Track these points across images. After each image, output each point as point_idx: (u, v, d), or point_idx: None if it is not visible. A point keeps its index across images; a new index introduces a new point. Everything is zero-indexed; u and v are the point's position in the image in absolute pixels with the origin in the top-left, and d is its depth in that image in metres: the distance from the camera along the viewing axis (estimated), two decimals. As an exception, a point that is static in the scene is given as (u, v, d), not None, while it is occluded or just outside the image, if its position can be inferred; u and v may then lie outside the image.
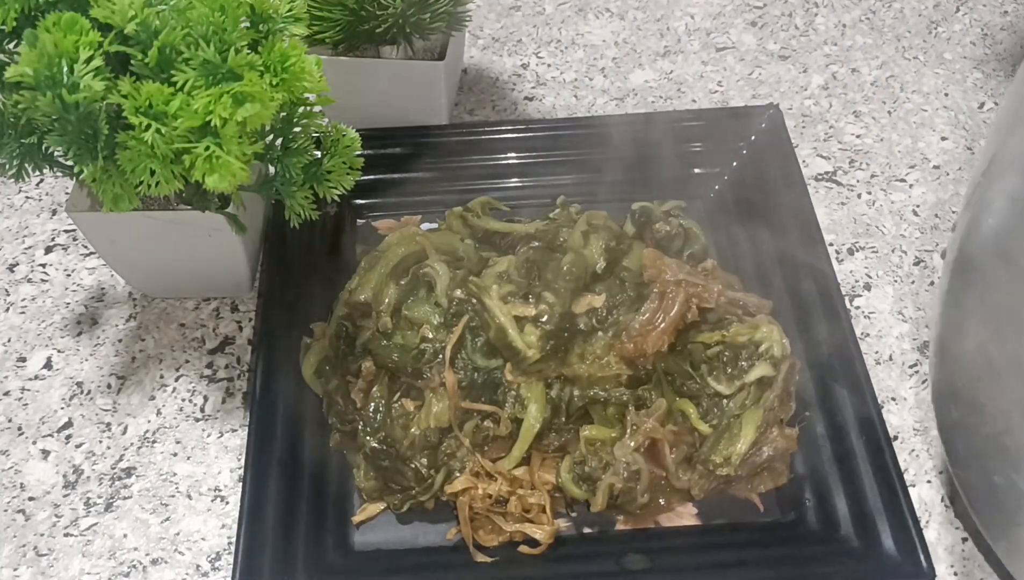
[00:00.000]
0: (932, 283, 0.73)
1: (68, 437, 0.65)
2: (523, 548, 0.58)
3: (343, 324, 0.64)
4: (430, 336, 0.61)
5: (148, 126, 0.49)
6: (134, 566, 0.60)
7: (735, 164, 0.76)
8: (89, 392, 0.68)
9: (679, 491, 0.60)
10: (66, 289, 0.74)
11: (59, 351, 0.70)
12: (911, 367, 0.68)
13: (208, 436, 0.65)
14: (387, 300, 0.63)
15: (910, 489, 0.60)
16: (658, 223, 0.68)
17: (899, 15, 0.95)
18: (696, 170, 0.76)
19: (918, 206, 0.78)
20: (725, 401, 0.60)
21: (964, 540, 0.60)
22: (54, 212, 0.79)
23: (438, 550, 0.59)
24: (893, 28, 0.93)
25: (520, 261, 0.64)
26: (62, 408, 0.67)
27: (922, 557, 0.54)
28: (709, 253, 0.70)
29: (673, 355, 0.61)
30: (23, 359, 0.70)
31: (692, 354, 0.61)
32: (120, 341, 0.70)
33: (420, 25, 0.71)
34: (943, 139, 0.83)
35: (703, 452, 0.59)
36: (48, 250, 0.76)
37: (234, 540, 0.58)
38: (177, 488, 0.63)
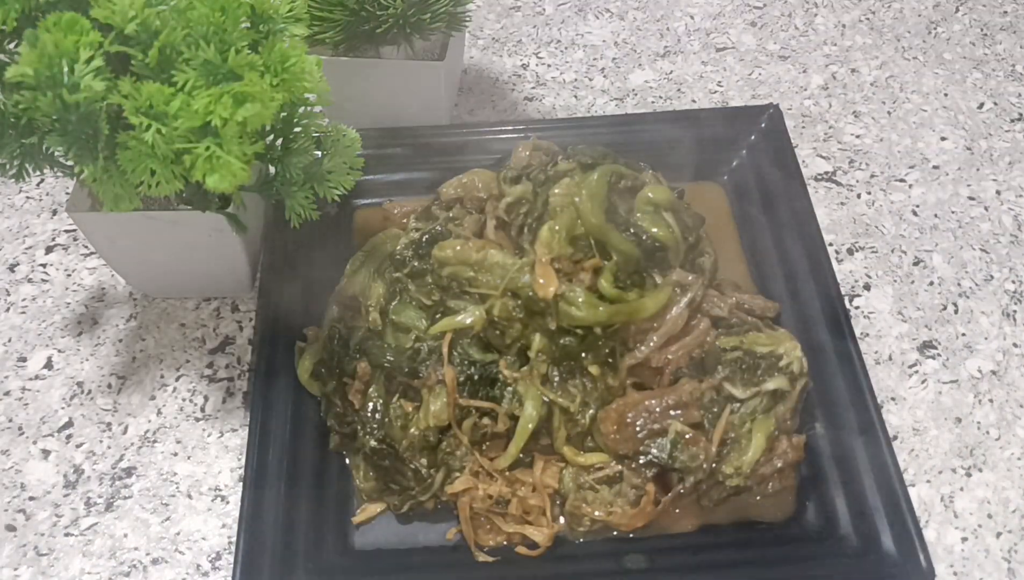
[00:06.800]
0: (932, 283, 0.73)
1: (68, 437, 0.65)
2: (521, 549, 0.58)
3: (336, 326, 0.64)
4: (420, 337, 0.61)
5: (148, 126, 0.49)
6: (134, 566, 0.60)
7: (735, 164, 0.76)
8: (89, 392, 0.68)
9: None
10: (66, 289, 0.74)
11: (59, 351, 0.70)
12: (911, 367, 0.68)
13: (208, 436, 0.65)
14: (375, 296, 0.64)
15: (910, 489, 0.60)
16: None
17: (899, 15, 0.95)
18: (696, 170, 0.76)
19: (918, 206, 0.78)
20: (737, 405, 0.60)
21: (964, 540, 0.60)
22: (54, 212, 0.79)
23: (438, 550, 0.59)
24: (893, 28, 0.94)
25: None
26: (62, 408, 0.67)
27: (922, 557, 0.54)
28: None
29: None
30: (24, 359, 0.70)
31: (707, 355, 0.62)
32: (120, 341, 0.70)
33: (420, 25, 0.71)
34: (943, 139, 0.83)
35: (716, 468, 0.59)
36: (48, 250, 0.76)
37: (234, 540, 0.58)
38: (177, 488, 0.63)
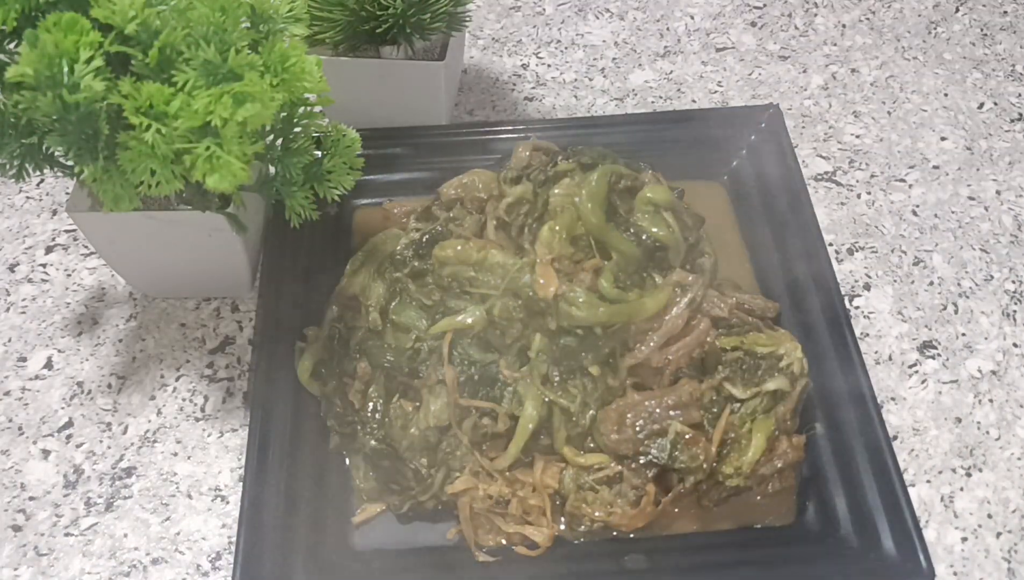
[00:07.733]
0: (932, 283, 0.73)
1: (68, 437, 0.65)
2: (521, 549, 0.58)
3: (336, 326, 0.64)
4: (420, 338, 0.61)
5: (149, 126, 0.49)
6: (134, 566, 0.60)
7: (735, 164, 0.76)
8: (89, 392, 0.68)
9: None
10: (66, 289, 0.74)
11: (59, 351, 0.70)
12: (911, 367, 0.68)
13: (208, 436, 0.65)
14: (375, 296, 0.64)
15: (910, 489, 0.60)
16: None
17: (899, 15, 0.95)
18: (696, 170, 0.76)
19: (918, 206, 0.78)
20: (737, 405, 0.60)
21: (964, 540, 0.60)
22: (54, 212, 0.79)
23: (438, 550, 0.59)
24: (893, 28, 0.94)
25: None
26: (62, 408, 0.67)
27: (922, 557, 0.54)
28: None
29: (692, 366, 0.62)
30: (24, 359, 0.70)
31: (708, 356, 0.62)
32: (120, 341, 0.70)
33: (420, 25, 0.71)
34: (943, 139, 0.83)
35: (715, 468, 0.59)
36: (48, 250, 0.76)
37: (234, 540, 0.58)
38: (177, 488, 0.63)
